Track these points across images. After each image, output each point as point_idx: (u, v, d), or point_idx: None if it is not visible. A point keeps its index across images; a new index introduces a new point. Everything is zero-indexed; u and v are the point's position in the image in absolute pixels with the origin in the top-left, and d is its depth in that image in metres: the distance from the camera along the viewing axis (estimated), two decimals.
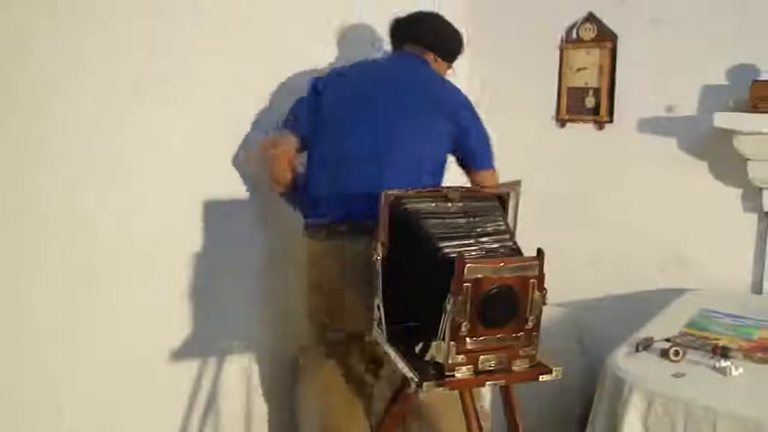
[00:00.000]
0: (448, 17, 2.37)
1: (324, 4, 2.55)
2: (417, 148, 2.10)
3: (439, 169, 2.17)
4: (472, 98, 2.33)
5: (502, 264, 1.37)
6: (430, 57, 2.29)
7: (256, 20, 2.30)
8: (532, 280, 1.40)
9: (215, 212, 2.23)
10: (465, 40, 2.41)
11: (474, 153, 2.21)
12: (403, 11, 2.36)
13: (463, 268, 1.32)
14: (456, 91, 2.25)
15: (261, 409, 2.48)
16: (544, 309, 1.47)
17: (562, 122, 3.14)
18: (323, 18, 2.56)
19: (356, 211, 1.99)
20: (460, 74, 3.28)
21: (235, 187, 2.31)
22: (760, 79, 2.55)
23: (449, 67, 2.39)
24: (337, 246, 2.03)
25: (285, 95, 2.37)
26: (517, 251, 1.53)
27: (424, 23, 2.33)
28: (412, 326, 1.54)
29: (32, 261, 1.78)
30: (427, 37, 2.30)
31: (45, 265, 1.80)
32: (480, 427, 1.72)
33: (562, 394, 2.69)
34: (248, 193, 2.35)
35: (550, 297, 1.46)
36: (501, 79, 3.26)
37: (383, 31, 2.52)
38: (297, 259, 2.54)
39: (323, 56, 2.57)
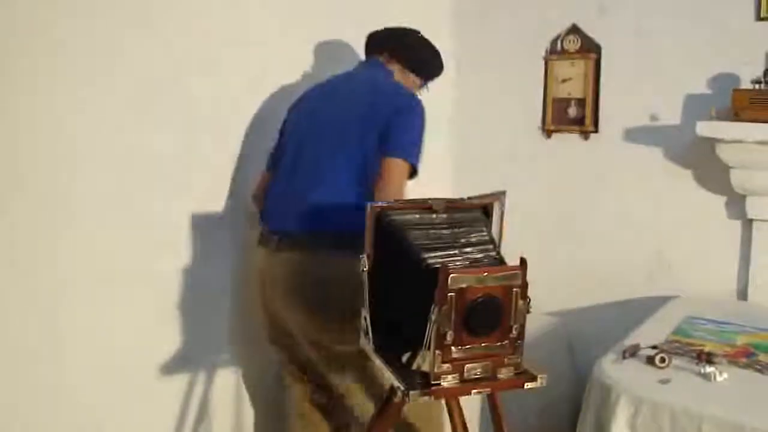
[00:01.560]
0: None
1: (310, 19, 2.57)
2: (341, 162, 2.07)
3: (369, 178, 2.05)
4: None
5: (485, 273, 1.38)
6: (395, 67, 2.27)
7: (240, 35, 2.33)
8: (515, 289, 1.41)
9: (202, 226, 2.25)
10: (442, 62, 2.37)
11: (389, 138, 2.03)
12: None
13: (447, 277, 1.34)
14: (397, 95, 2.13)
15: (250, 421, 2.48)
16: (534, 318, 1.49)
17: (548, 132, 3.17)
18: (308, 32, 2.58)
19: (289, 223, 2.07)
20: (447, 86, 3.34)
21: (220, 201, 2.32)
22: (741, 87, 2.60)
23: (422, 84, 2.36)
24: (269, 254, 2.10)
25: (266, 110, 2.39)
26: (500, 261, 1.54)
27: (396, 34, 2.32)
28: (399, 336, 1.56)
29: (21, 273, 1.78)
30: (395, 47, 2.28)
31: (33, 281, 1.81)
32: None
33: (552, 402, 2.71)
34: (234, 207, 2.37)
35: (539, 306, 1.48)
36: (487, 91, 3.30)
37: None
38: None
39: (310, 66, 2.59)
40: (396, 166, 2.01)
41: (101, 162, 1.93)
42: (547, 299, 2.90)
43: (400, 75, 2.27)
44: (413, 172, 2.05)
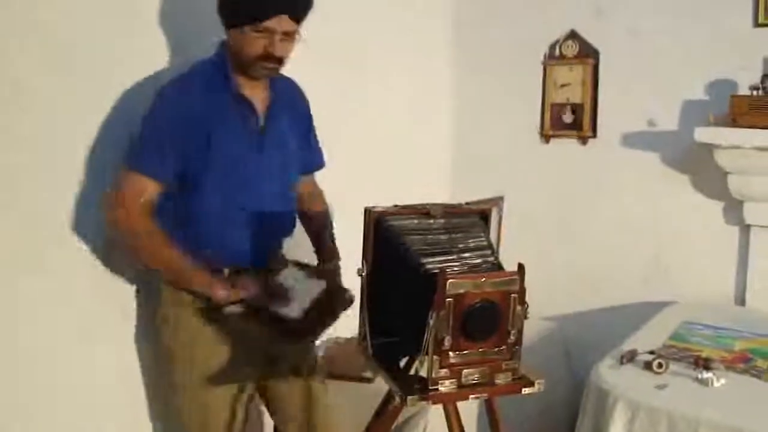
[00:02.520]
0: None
1: None
2: None
3: None
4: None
5: (483, 279, 1.39)
6: (228, 37, 1.84)
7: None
8: (513, 295, 1.42)
9: None
10: None
11: None
12: None
13: (446, 283, 1.35)
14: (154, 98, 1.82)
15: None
16: (530, 323, 1.49)
17: (546, 138, 3.17)
18: None
19: None
20: (445, 90, 3.33)
21: None
22: (739, 93, 2.60)
23: (243, 31, 1.77)
24: None
25: None
26: (498, 266, 1.55)
27: None
28: (396, 341, 1.56)
29: (20, 272, 1.77)
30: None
31: (33, 280, 1.81)
32: None
33: (549, 407, 2.71)
34: None
35: (536, 311, 1.48)
36: (486, 96, 3.31)
37: None
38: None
39: None
40: (120, 177, 1.79)
41: (100, 165, 1.93)
42: (544, 304, 2.90)
43: (233, 41, 1.82)
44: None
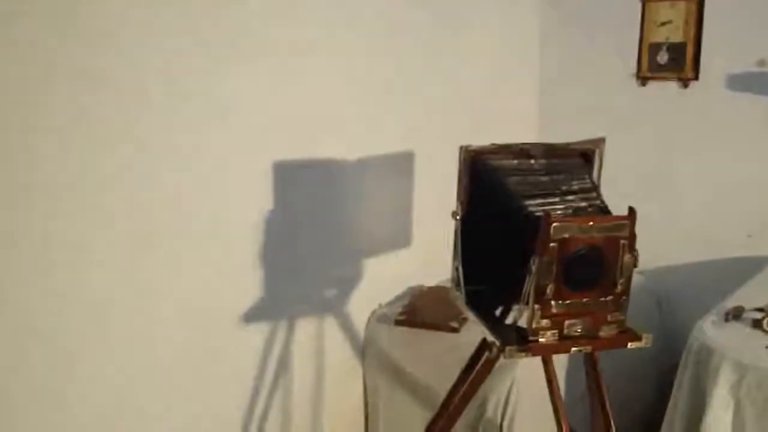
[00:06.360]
0: None
1: None
2: None
3: None
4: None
5: (591, 223, 1.29)
6: None
7: None
8: (622, 241, 1.31)
9: (289, 172, 2.20)
10: None
11: None
12: None
13: (550, 226, 1.24)
14: None
15: (332, 373, 2.45)
16: None
17: (643, 80, 2.98)
18: None
19: None
20: (534, 28, 3.18)
21: (308, 147, 2.26)
22: None
23: None
24: None
25: None
26: (605, 210, 1.44)
27: None
28: (492, 289, 1.47)
29: (105, 214, 1.76)
30: None
31: (118, 221, 1.79)
32: (560, 396, 1.67)
33: (639, 362, 2.59)
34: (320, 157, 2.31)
35: None
36: (580, 36, 3.12)
37: None
38: (371, 224, 2.50)
39: None
40: None
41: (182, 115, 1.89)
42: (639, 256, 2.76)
43: None
44: None
